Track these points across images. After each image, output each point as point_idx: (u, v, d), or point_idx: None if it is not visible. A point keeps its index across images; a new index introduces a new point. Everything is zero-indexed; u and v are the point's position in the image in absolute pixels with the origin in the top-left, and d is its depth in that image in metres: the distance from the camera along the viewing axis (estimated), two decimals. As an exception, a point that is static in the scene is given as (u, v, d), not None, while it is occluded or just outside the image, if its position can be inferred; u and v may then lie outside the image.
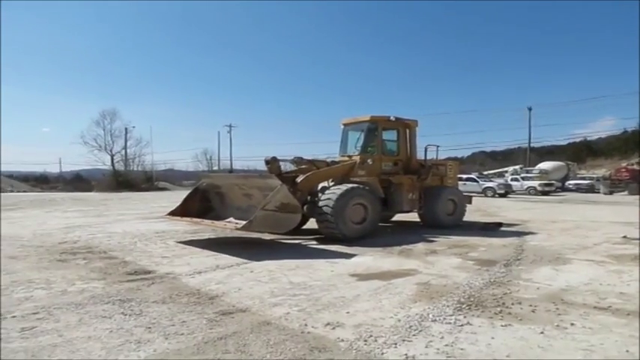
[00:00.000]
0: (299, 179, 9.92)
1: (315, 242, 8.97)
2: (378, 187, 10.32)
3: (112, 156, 57.84)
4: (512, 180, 35.32)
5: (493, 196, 29.59)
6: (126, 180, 51.80)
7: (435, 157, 12.54)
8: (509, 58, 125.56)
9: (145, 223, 12.85)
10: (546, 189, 33.49)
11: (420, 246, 8.55)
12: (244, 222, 7.76)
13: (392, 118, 11.05)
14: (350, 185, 9.49)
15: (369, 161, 10.63)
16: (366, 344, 3.52)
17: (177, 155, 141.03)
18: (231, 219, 8.97)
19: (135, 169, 59.61)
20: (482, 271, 6.28)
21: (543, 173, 38.76)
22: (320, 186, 10.51)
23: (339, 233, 8.93)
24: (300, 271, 6.32)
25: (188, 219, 9.32)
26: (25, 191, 44.96)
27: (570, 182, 40.01)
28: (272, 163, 10.04)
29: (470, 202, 13.32)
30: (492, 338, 3.66)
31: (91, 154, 57.42)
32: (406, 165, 11.44)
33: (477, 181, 31.93)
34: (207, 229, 10.33)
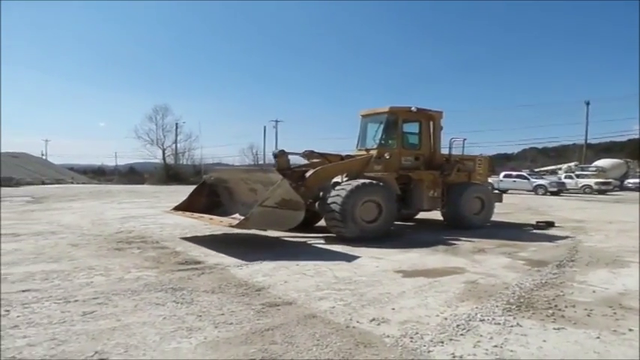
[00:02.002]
0: (308, 174, 9.33)
1: (322, 241, 8.94)
2: (394, 184, 9.52)
3: (164, 150, 59.97)
4: (566, 178, 33.82)
5: (544, 195, 28.44)
6: (176, 173, 53.62)
7: (461, 151, 11.46)
8: (564, 50, 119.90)
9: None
10: (603, 188, 31.83)
11: (467, 244, 8.37)
12: (240, 219, 7.36)
13: (413, 108, 10.15)
14: (362, 181, 8.80)
15: (387, 155, 9.83)
16: (412, 341, 3.50)
17: (224, 150, 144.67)
18: (237, 215, 8.58)
19: (184, 162, 61.60)
20: (532, 272, 6.08)
21: (600, 171, 36.85)
22: (333, 181, 9.83)
23: (347, 232, 8.39)
24: (344, 266, 6.35)
25: (189, 213, 8.90)
26: (84, 183, 47.47)
27: (630, 181, 37.79)
28: (280, 156, 9.51)
29: (500, 200, 12.31)
30: (544, 341, 3.54)
31: (144, 148, 59.76)
32: (429, 160, 10.63)
33: (528, 179, 30.77)
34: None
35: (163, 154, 60.01)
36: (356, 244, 8.03)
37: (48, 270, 5.74)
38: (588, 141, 51.73)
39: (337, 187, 8.75)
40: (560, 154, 62.26)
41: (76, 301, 4.45)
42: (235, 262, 6.38)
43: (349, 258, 6.88)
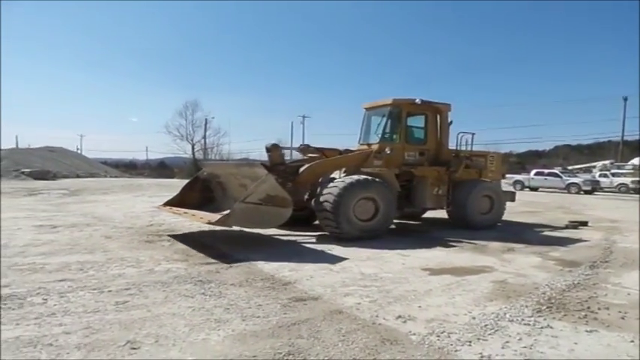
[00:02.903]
0: (301, 169, 8.90)
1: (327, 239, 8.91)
2: (393, 180, 8.95)
3: (193, 145, 61.01)
4: (600, 176, 32.77)
5: (578, 193, 27.65)
6: (204, 168, 54.39)
7: (470, 146, 10.62)
8: (600, 43, 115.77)
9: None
10: (640, 186, 30.68)
11: (495, 243, 8.22)
12: (219, 215, 6.93)
13: (417, 101, 9.56)
14: (357, 177, 8.32)
15: (387, 150, 9.27)
16: (438, 339, 3.47)
17: (252, 145, 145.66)
18: (228, 211, 7.95)
19: (213, 157, 62.51)
20: (564, 272, 5.93)
21: (637, 169, 35.52)
22: (328, 177, 9.23)
23: (340, 231, 7.92)
24: (370, 262, 6.34)
25: (175, 209, 8.48)
26: (116, 176, 48.75)
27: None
28: (273, 150, 8.99)
29: (512, 200, 11.65)
30: (575, 344, 3.46)
31: (174, 142, 61.01)
32: (435, 155, 10.04)
33: (560, 177, 30.00)
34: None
35: (192, 149, 61.06)
36: (374, 243, 7.99)
37: (83, 260, 5.93)
38: (625, 138, 49.85)
39: (330, 184, 8.26)
40: (594, 151, 60.26)
41: (109, 291, 4.59)
42: (262, 256, 6.44)
43: (374, 256, 6.86)
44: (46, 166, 38.65)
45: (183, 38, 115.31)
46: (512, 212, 14.56)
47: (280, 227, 8.84)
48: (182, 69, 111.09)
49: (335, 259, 6.40)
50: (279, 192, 7.24)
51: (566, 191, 28.30)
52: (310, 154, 9.73)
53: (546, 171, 32.08)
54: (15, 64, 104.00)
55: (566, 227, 10.71)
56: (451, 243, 8.09)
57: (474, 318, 4.01)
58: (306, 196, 8.83)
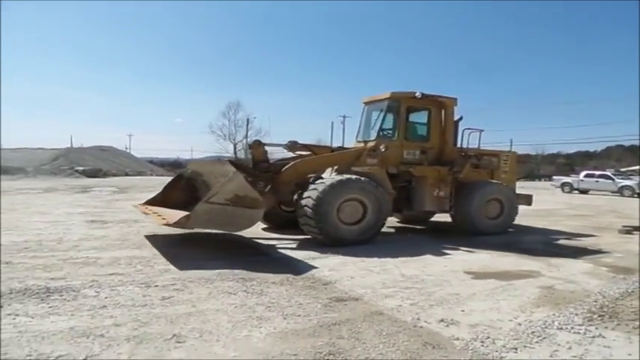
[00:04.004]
0: (284, 168, 8.20)
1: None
2: (385, 180, 8.19)
3: (235, 145, 62.11)
4: (657, 178, 30.91)
5: (631, 196, 26.20)
6: (245, 167, 55.33)
7: (485, 145, 10.33)
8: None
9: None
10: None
11: (542, 247, 7.94)
12: (179, 216, 6.36)
13: (417, 94, 8.79)
14: (343, 176, 7.65)
15: (382, 148, 8.45)
16: (483, 345, 3.39)
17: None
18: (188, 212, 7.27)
19: (246, 157, 63.43)
20: (617, 280, 5.65)
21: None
22: (314, 177, 8.35)
23: (320, 236, 7.28)
24: (411, 264, 6.26)
25: (149, 208, 8.10)
26: (161, 175, 50.42)
27: None
28: (255, 147, 8.38)
29: (529, 204, 10.58)
30: (629, 355, 3.29)
31: (217, 142, 62.25)
32: (439, 154, 9.22)
33: (612, 179, 28.52)
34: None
35: (234, 148, 62.18)
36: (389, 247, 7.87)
37: (131, 256, 6.18)
38: (685, 138, 46.86)
39: (313, 185, 7.59)
40: (650, 152, 57.06)
41: (156, 286, 4.75)
42: (302, 255, 6.49)
43: (415, 257, 6.77)
44: (98, 165, 40.44)
45: (225, 40, 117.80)
46: (560, 215, 14.04)
47: (271, 230, 8.85)
48: (225, 70, 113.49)
49: (373, 260, 6.36)
50: (249, 192, 6.62)
51: (618, 194, 26.90)
52: (298, 152, 9.18)
53: (597, 173, 30.62)
54: (68, 70, 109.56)
55: (619, 232, 10.18)
56: (495, 246, 7.86)
57: (519, 324, 3.88)
58: (295, 197, 8.15)
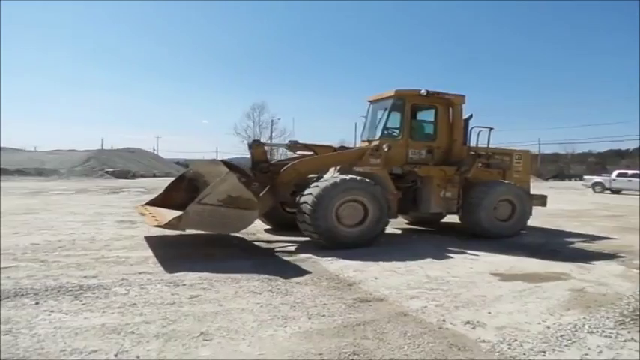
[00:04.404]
0: (283, 168, 7.99)
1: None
2: (387, 181, 7.99)
3: (271, 146, 62.51)
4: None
5: (668, 196, 25.25)
6: (269, 169, 55.71)
7: (494, 143, 9.73)
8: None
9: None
10: None
11: (571, 248, 7.75)
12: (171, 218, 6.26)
13: (422, 91, 8.43)
14: (342, 177, 7.45)
15: (385, 147, 8.21)
16: (510, 348, 3.34)
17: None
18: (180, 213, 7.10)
19: (278, 158, 63.80)
20: (652, 283, 5.47)
21: None
22: (314, 177, 8.28)
23: (319, 237, 7.11)
24: (436, 265, 6.21)
25: (148, 208, 7.97)
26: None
27: None
28: (255, 148, 8.27)
29: (543, 205, 10.12)
30: (664, 360, 3.19)
31: (242, 144, 62.84)
32: (446, 153, 8.91)
33: (646, 178, 27.52)
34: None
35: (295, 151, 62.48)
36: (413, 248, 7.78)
37: (159, 254, 6.31)
38: None
39: (311, 185, 7.40)
40: (688, 150, 54.90)
41: (184, 285, 4.85)
42: (326, 256, 6.51)
43: (440, 258, 6.71)
44: (127, 166, 41.41)
45: (251, 42, 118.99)
46: (591, 216, 13.67)
47: (275, 231, 8.74)
48: (250, 72, 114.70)
49: (398, 261, 6.33)
50: (243, 193, 6.45)
51: (653, 194, 25.98)
52: (299, 152, 9.03)
53: (630, 172, 29.62)
54: (99, 74, 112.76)
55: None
56: (523, 247, 7.72)
57: (548, 327, 3.81)
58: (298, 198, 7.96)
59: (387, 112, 8.93)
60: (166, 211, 7.20)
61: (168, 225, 6.16)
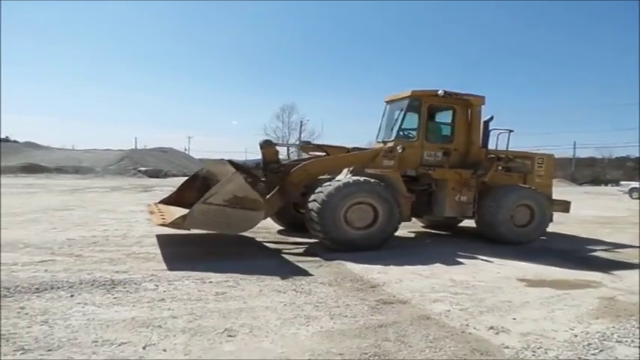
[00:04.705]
0: (294, 169, 7.90)
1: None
2: (399, 183, 7.85)
3: (288, 147, 63.08)
4: None
5: None
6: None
7: (513, 146, 9.41)
8: None
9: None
10: None
11: (604, 255, 7.52)
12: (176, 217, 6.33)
13: (440, 92, 8.23)
14: (352, 178, 7.36)
15: (399, 149, 8.06)
16: (534, 355, 3.30)
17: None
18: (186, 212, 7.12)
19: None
20: (688, 293, 5.27)
21: None
22: (328, 178, 8.13)
23: (326, 239, 7.06)
24: (462, 269, 6.16)
25: (160, 206, 8.01)
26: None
27: None
28: (266, 148, 8.10)
29: (566, 211, 9.72)
30: (698, 373, 3.09)
31: (270, 145, 63.37)
32: (464, 156, 8.70)
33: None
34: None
35: (287, 150, 63.14)
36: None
37: (188, 252, 6.49)
38: None
39: (321, 186, 7.29)
40: None
41: (210, 282, 4.97)
42: (351, 257, 6.53)
43: (467, 262, 6.64)
44: (159, 165, 42.41)
45: (280, 42, 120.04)
46: (625, 223, 13.21)
47: (287, 232, 8.72)
48: (280, 73, 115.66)
49: (423, 264, 6.30)
50: (249, 193, 6.41)
51: (697, 201, 24.85)
52: (312, 152, 8.98)
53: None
54: (133, 75, 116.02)
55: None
56: (552, 253, 7.55)
57: (575, 335, 3.73)
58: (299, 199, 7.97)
59: (402, 113, 8.73)
60: (176, 210, 7.23)
61: (173, 224, 6.20)
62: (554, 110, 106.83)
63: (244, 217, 6.36)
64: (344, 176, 7.83)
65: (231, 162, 7.88)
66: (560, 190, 28.31)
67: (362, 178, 7.39)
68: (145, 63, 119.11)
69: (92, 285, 4.64)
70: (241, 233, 6.87)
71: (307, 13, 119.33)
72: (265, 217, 7.28)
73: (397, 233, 7.72)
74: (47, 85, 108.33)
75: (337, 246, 7.01)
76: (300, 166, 7.93)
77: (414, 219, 9.27)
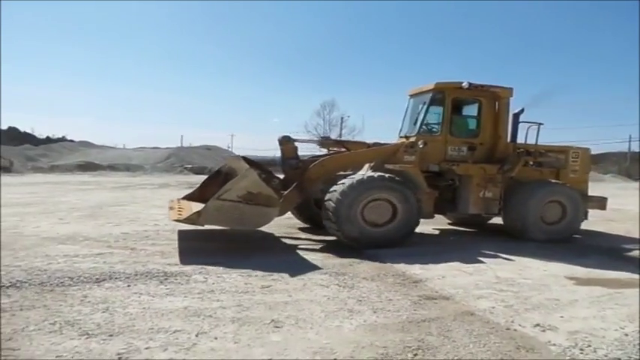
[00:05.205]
0: (312, 165, 7.77)
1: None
2: (419, 179, 7.57)
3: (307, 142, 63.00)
4: None
5: None
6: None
7: (535, 139, 8.93)
8: None
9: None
10: None
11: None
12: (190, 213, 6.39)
13: (465, 84, 7.88)
14: (367, 175, 7.09)
15: (420, 144, 7.82)
16: (582, 353, 3.24)
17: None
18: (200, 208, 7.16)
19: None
20: None
21: None
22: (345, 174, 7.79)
23: (342, 236, 6.93)
24: (507, 266, 6.06)
25: (179, 203, 8.08)
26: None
27: None
28: (285, 144, 8.01)
29: (602, 208, 9.14)
30: None
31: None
32: (490, 150, 8.37)
33: None
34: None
35: (328, 148, 63.24)
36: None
37: (234, 247, 6.73)
38: None
39: (338, 182, 7.13)
40: None
41: (256, 275, 5.15)
42: (392, 253, 6.55)
43: (513, 259, 6.51)
44: (204, 163, 43.57)
45: (322, 39, 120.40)
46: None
47: (309, 229, 8.62)
48: (320, 70, 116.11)
49: (466, 261, 6.24)
50: (263, 189, 6.40)
51: None
52: (331, 148, 8.83)
53: None
54: (180, 79, 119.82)
55: None
56: (603, 251, 7.27)
57: (626, 335, 3.63)
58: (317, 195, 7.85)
59: (426, 107, 8.43)
60: (196, 205, 7.23)
61: (188, 220, 6.29)
62: (608, 103, 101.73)
63: (258, 214, 6.38)
64: (365, 172, 7.53)
65: (245, 158, 7.82)
66: (613, 187, 27.01)
67: (377, 175, 7.14)
68: (188, 66, 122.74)
69: (146, 276, 4.92)
70: (279, 231, 7.04)
71: (349, 8, 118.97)
72: (282, 214, 7.29)
73: (432, 231, 7.66)
74: (100, 90, 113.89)
75: (355, 244, 6.89)
76: (317, 161, 7.82)
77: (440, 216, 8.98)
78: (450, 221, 10.40)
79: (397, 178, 7.19)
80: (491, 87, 8.26)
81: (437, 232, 9.33)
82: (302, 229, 8.82)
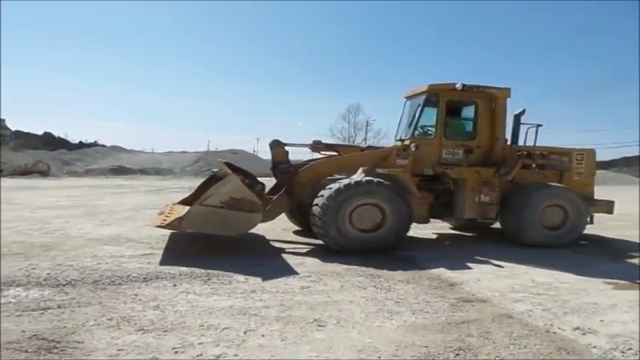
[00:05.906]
0: (301, 169, 7.64)
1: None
2: (409, 183, 7.35)
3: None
4: None
5: None
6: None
7: (535, 141, 8.68)
8: None
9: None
10: None
11: None
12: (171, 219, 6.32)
13: (458, 86, 7.73)
14: (356, 179, 6.95)
15: (412, 147, 7.64)
16: (623, 356, 3.28)
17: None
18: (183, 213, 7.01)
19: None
20: None
21: None
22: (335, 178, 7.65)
23: (329, 241, 6.77)
24: (543, 270, 6.04)
25: (170, 208, 8.01)
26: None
27: None
28: (275, 148, 7.90)
29: (609, 212, 8.70)
30: None
31: (333, 145, 63.77)
32: (487, 153, 8.13)
33: None
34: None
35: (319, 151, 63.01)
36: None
37: (269, 248, 6.91)
38: None
39: (325, 189, 6.96)
40: None
41: (294, 276, 5.31)
42: (426, 256, 6.62)
43: (545, 263, 6.49)
44: (231, 166, 44.15)
45: (347, 43, 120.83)
46: None
47: (303, 233, 8.46)
48: (345, 74, 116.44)
49: (501, 263, 6.25)
50: (246, 195, 6.37)
51: None
52: (323, 152, 8.71)
53: None
54: (208, 86, 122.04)
55: None
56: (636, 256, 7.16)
57: (668, 339, 3.62)
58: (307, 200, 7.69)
59: (420, 109, 8.24)
60: (182, 209, 7.16)
61: (170, 225, 6.25)
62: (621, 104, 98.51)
63: (241, 219, 6.33)
64: (355, 176, 7.35)
65: (227, 164, 7.84)
66: (632, 189, 26.16)
67: (365, 179, 6.99)
68: (214, 72, 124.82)
69: (190, 276, 5.14)
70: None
71: (374, 11, 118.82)
72: (271, 219, 7.27)
73: (460, 233, 7.59)
74: (130, 96, 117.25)
75: (342, 249, 6.75)
76: (307, 166, 7.76)
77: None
78: (451, 226, 10.06)
79: (386, 183, 7.02)
80: (488, 88, 8.10)
81: (450, 235, 9.36)
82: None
